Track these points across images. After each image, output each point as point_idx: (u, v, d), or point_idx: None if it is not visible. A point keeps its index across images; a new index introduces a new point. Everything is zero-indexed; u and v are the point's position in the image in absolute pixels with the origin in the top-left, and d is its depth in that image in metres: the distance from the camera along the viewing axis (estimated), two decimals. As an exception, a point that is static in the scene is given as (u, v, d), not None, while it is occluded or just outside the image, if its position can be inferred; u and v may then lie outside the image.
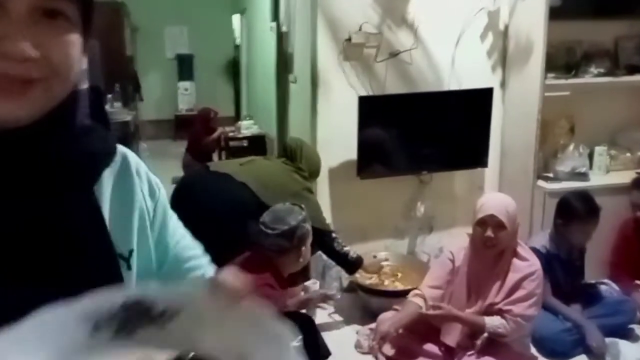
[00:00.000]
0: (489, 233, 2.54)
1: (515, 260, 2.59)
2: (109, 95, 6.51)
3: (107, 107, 6.35)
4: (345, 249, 3.03)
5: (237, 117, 9.00)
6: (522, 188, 3.47)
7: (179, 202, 2.55)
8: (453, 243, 3.73)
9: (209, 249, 0.95)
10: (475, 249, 2.65)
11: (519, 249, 2.61)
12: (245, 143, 7.10)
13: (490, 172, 3.68)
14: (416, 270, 3.34)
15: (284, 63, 4.99)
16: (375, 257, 3.38)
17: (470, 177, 3.67)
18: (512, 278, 2.56)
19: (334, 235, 3.02)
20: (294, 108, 5.79)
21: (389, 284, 3.27)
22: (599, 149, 3.69)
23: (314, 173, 3.09)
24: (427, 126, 3.36)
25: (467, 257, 2.71)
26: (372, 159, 3.30)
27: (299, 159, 2.99)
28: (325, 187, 3.41)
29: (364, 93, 3.29)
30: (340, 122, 3.33)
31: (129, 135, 6.12)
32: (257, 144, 7.08)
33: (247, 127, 7.23)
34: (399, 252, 3.61)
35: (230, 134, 7.10)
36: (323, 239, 2.93)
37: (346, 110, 3.29)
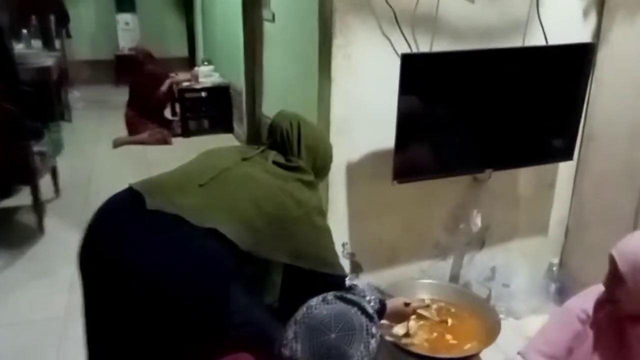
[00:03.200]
0: (605, 281, 1.61)
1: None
2: (24, 32, 5.05)
3: (21, 47, 4.91)
4: (367, 299, 1.85)
5: (193, 60, 7.59)
6: (623, 190, 2.40)
7: (88, 262, 1.50)
8: (510, 264, 2.68)
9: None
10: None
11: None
12: (203, 94, 5.80)
13: (566, 162, 2.59)
14: (474, 312, 2.28)
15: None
16: (407, 305, 2.23)
17: (538, 172, 2.57)
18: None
19: (348, 281, 1.87)
20: (272, 56, 4.57)
21: (436, 340, 2.18)
22: None
23: (322, 169, 1.87)
24: (500, 100, 2.20)
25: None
26: (417, 152, 2.14)
27: (296, 149, 1.78)
28: (340, 190, 2.25)
29: (406, 49, 2.09)
30: (367, 95, 2.14)
31: (50, 83, 4.71)
32: (219, 97, 5.79)
33: (206, 75, 5.90)
34: (440, 278, 2.53)
35: (185, 84, 5.77)
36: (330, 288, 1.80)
37: (378, 75, 2.10)
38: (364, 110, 2.15)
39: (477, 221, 2.42)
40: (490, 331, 2.16)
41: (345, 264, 2.37)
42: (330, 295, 1.49)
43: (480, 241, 2.59)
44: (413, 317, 2.12)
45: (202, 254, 1.46)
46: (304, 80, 2.57)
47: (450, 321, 2.26)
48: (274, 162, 1.72)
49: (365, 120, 2.17)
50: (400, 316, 2.05)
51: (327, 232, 1.77)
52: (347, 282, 1.85)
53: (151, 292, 1.39)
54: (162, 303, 1.39)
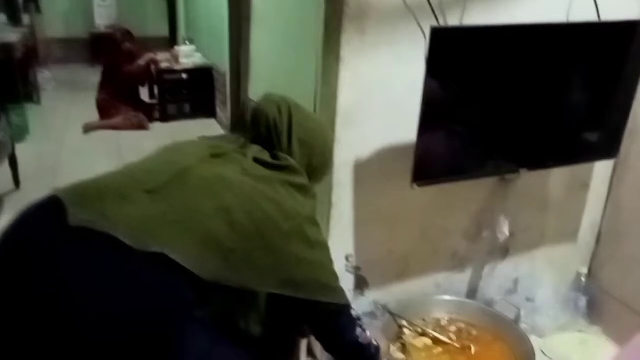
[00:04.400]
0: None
1: None
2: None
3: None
4: (369, 333, 1.48)
5: (174, 40, 7.13)
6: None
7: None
8: (534, 275, 2.34)
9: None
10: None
11: None
12: (184, 76, 5.37)
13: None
14: (499, 335, 1.94)
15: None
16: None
17: (572, 171, 2.22)
18: None
19: (354, 313, 1.46)
20: (260, 34, 4.14)
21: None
22: None
23: (319, 170, 1.48)
24: (540, 85, 1.83)
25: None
26: (444, 148, 1.78)
27: (286, 143, 1.39)
28: (346, 192, 1.88)
29: (432, 23, 1.71)
30: (382, 79, 1.77)
31: (13, 62, 4.25)
32: (201, 79, 5.35)
33: (188, 56, 5.48)
34: (456, 293, 2.17)
35: (165, 65, 5.33)
36: (330, 322, 1.41)
37: (396, 55, 1.73)
38: (378, 97, 1.77)
39: (505, 229, 2.07)
40: (523, 362, 1.83)
41: (349, 279, 2.00)
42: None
43: (504, 250, 2.24)
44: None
45: (139, 289, 1.06)
46: (299, 61, 2.19)
47: (473, 348, 1.92)
48: (256, 160, 1.31)
49: (379, 109, 1.79)
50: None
51: (324, 249, 1.38)
52: (354, 312, 1.47)
53: (68, 336, 1.01)
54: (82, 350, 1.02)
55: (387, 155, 1.85)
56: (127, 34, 5.27)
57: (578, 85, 1.91)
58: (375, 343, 1.51)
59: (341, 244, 1.94)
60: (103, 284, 1.04)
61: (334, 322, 1.40)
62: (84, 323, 1.01)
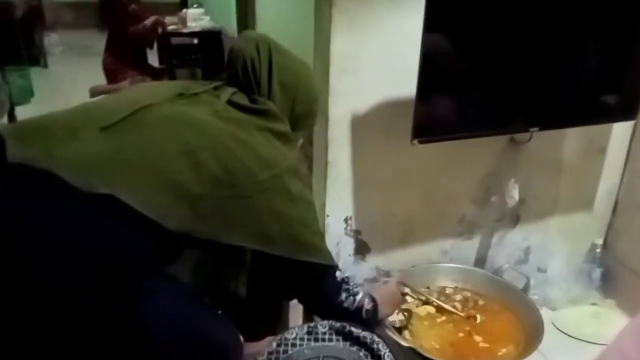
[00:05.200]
0: None
1: None
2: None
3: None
4: (359, 298, 1.37)
5: (184, 5, 6.97)
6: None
7: None
8: (547, 244, 2.21)
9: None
10: None
11: None
12: (194, 41, 5.23)
13: (623, 123, 2.08)
14: (507, 305, 1.83)
15: None
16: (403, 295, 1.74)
17: (589, 133, 2.07)
18: None
19: (339, 275, 1.35)
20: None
21: (463, 343, 1.72)
22: None
23: (303, 117, 1.35)
24: (550, 38, 1.68)
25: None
26: (445, 103, 1.64)
27: (266, 86, 1.25)
28: (343, 150, 1.76)
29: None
30: (381, 24, 1.63)
31: (12, 21, 4.13)
32: (210, 43, 5.21)
33: (196, 19, 5.33)
34: (463, 261, 2.06)
35: (171, 27, 5.19)
36: (312, 285, 1.30)
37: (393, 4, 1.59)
38: (376, 44, 1.64)
39: (514, 193, 1.93)
40: (531, 333, 1.71)
41: (349, 243, 1.90)
42: (322, 326, 1.05)
43: (514, 217, 2.11)
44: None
45: (85, 234, 0.95)
46: (298, 16, 2.06)
47: (479, 317, 1.81)
48: (230, 103, 1.19)
49: (376, 58, 1.66)
50: (392, 303, 1.59)
51: (307, 204, 1.25)
52: (339, 274, 1.35)
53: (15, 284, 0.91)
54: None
55: (387, 110, 1.72)
56: (133, -4, 5.13)
57: (595, 38, 1.75)
58: (368, 306, 1.39)
59: (339, 205, 1.83)
60: (45, 229, 0.93)
61: (317, 284, 1.30)
62: (29, 270, 0.92)
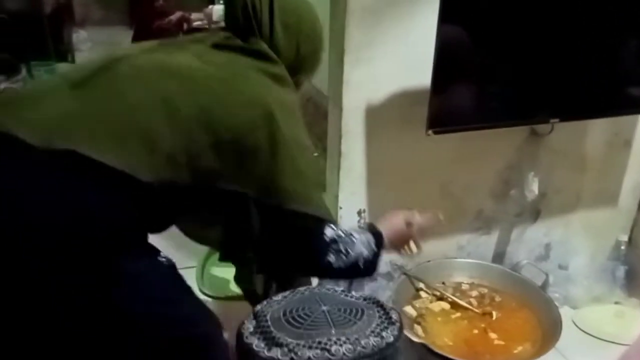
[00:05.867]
0: None
1: None
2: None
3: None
4: (354, 255, 1.20)
5: (212, 2, 6.99)
6: None
7: None
8: (569, 241, 2.15)
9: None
10: None
11: None
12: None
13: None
14: (524, 302, 1.78)
15: None
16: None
17: (613, 125, 2.00)
18: None
19: (331, 234, 1.18)
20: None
21: (477, 340, 1.68)
22: None
23: (310, 57, 1.26)
24: (572, 24, 1.62)
25: None
26: (461, 93, 1.60)
27: (268, 28, 1.17)
28: (357, 141, 1.73)
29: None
30: (396, 9, 1.59)
31: (41, 16, 4.18)
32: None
33: (221, 15, 5.31)
34: (481, 257, 2.01)
35: (197, 23, 5.20)
36: (302, 240, 1.17)
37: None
38: (391, 33, 1.60)
39: (534, 187, 1.88)
40: (548, 331, 1.66)
41: (362, 236, 1.86)
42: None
43: (535, 212, 2.05)
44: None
45: (46, 195, 0.91)
46: (317, 6, 2.04)
47: (495, 314, 1.76)
48: (216, 46, 1.12)
49: (393, 47, 1.62)
50: (401, 239, 1.43)
51: (302, 147, 1.12)
52: (330, 231, 1.18)
53: None
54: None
55: (402, 100, 1.68)
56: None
57: (620, 25, 1.69)
58: (361, 264, 1.21)
59: (353, 197, 1.80)
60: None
61: (302, 240, 1.16)
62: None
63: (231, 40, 1.15)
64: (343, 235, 1.19)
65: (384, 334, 0.97)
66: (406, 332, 1.56)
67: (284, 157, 1.08)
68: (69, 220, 0.92)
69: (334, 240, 1.17)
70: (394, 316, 1.03)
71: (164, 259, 1.08)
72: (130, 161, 0.95)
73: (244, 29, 1.17)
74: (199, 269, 1.82)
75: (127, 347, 1.00)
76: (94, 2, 7.11)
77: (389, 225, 1.36)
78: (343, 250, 1.18)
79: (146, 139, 0.98)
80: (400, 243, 1.43)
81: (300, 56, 1.23)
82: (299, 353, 0.90)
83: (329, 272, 1.22)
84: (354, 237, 1.21)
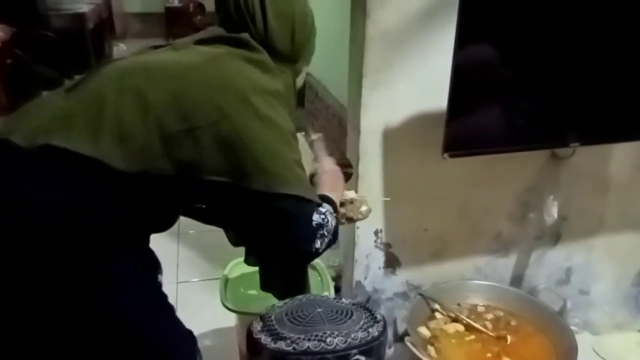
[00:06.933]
0: None
1: None
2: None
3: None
4: (332, 229, 1.19)
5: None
6: None
7: None
8: (590, 265, 2.12)
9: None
10: None
11: None
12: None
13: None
14: (540, 327, 1.77)
15: None
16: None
17: (636, 147, 1.97)
18: None
19: (317, 219, 1.15)
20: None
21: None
22: None
23: (304, 44, 1.26)
24: (594, 46, 1.61)
25: None
26: (478, 116, 1.61)
27: (262, 21, 1.18)
28: (375, 163, 1.75)
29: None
30: (413, 36, 1.62)
31: (85, 32, 4.36)
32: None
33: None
34: (499, 279, 2.00)
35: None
36: (287, 226, 1.13)
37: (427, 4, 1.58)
38: (410, 56, 1.63)
39: (553, 211, 1.87)
40: (563, 357, 1.65)
41: (379, 256, 1.88)
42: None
43: (555, 235, 2.03)
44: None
45: (38, 189, 0.98)
46: (337, 31, 2.08)
47: (509, 338, 1.75)
48: (201, 42, 1.16)
49: (411, 70, 1.65)
50: (339, 184, 1.40)
51: (279, 128, 1.10)
52: (317, 217, 1.15)
53: None
54: None
55: (420, 122, 1.70)
56: (199, 7, 5.30)
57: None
58: (333, 239, 1.19)
59: (370, 218, 1.81)
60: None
61: (287, 226, 1.12)
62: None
63: (216, 31, 1.18)
64: (324, 216, 1.16)
65: (370, 329, 1.13)
66: (419, 354, 1.58)
67: (262, 141, 1.07)
68: (57, 212, 0.97)
69: (320, 225, 1.15)
70: (379, 316, 1.18)
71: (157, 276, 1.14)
72: (103, 150, 1.00)
73: (238, 22, 1.18)
74: (222, 283, 1.85)
75: (115, 346, 1.05)
76: (133, 16, 7.33)
77: (330, 186, 1.32)
78: (326, 234, 1.16)
79: (118, 130, 1.02)
80: (341, 189, 1.40)
81: (298, 43, 1.23)
82: (300, 344, 1.07)
83: (312, 257, 1.20)
84: (327, 214, 1.18)
